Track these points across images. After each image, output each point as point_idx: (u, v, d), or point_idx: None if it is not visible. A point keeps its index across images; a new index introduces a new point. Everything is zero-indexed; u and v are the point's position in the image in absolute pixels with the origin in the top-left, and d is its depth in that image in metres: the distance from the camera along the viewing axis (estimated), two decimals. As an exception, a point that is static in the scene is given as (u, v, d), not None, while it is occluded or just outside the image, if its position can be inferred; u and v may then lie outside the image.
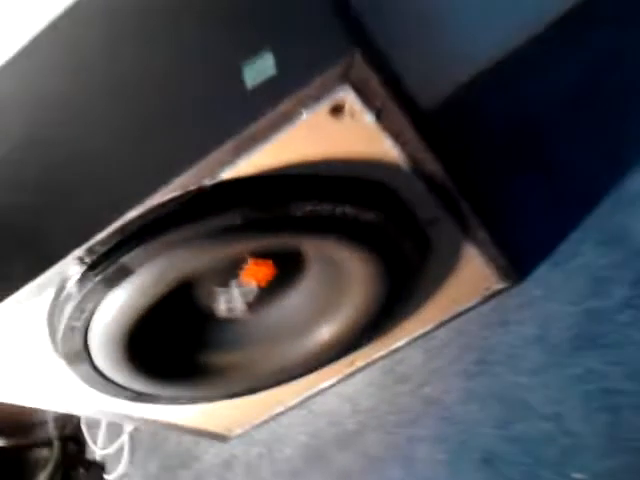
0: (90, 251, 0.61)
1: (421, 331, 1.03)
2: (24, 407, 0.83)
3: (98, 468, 1.35)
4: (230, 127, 0.56)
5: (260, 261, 0.76)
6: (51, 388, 0.79)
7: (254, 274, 0.77)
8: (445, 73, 1.20)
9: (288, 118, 0.56)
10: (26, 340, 0.69)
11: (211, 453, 1.24)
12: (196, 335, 0.83)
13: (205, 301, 0.81)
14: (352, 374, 1.09)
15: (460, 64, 1.20)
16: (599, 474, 0.83)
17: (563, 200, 1.03)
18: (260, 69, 0.56)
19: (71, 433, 1.39)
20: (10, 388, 0.78)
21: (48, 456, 1.34)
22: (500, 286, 0.99)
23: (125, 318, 0.65)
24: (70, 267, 0.62)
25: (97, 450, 1.41)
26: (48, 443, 1.36)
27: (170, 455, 1.31)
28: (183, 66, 0.65)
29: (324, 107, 0.56)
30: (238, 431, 1.15)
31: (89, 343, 0.68)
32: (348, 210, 0.65)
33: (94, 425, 1.46)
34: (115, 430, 1.42)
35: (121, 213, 0.59)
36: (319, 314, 0.84)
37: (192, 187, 0.59)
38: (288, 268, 0.81)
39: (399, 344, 1.05)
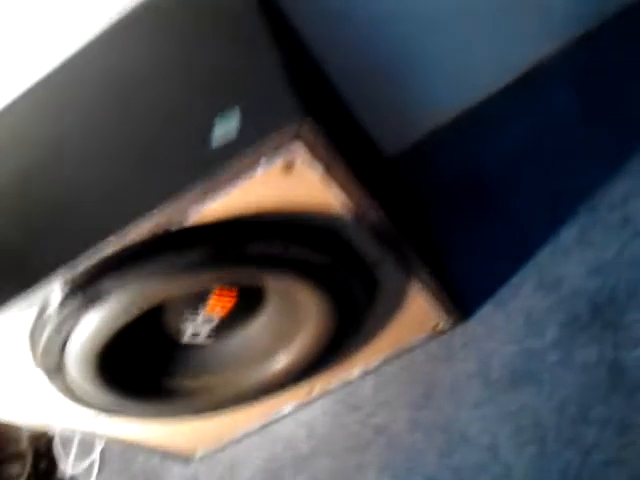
0: (71, 279, 0.70)
1: (373, 364, 1.12)
2: (-1, 422, 0.90)
3: (68, 485, 1.40)
4: (195, 179, 0.66)
5: (225, 292, 0.85)
6: (31, 400, 0.86)
7: (218, 304, 0.86)
8: (406, 126, 1.31)
9: (245, 173, 0.66)
10: (10, 354, 0.77)
11: (175, 473, 1.30)
12: (163, 357, 0.91)
13: (173, 327, 0.89)
14: (309, 402, 1.17)
15: (421, 118, 1.33)
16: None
17: (506, 247, 1.14)
18: (226, 127, 0.66)
19: (44, 450, 1.45)
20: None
21: (20, 472, 1.39)
22: (447, 324, 1.08)
23: (97, 339, 0.74)
24: (53, 291, 0.71)
25: (68, 467, 1.46)
26: (20, 459, 1.40)
27: (136, 474, 1.36)
28: (158, 123, 0.75)
29: (277, 164, 0.66)
30: (201, 452, 1.21)
31: (65, 359, 0.77)
32: (299, 252, 0.75)
33: (67, 443, 1.51)
34: (86, 448, 1.47)
35: (100, 246, 0.69)
36: (277, 343, 0.93)
37: (162, 227, 0.68)
38: (250, 299, 0.90)
39: (353, 375, 1.13)
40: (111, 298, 0.70)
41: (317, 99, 0.81)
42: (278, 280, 0.80)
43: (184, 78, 0.80)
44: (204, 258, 0.70)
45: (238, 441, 1.23)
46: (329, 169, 0.68)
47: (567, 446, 0.93)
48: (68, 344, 0.74)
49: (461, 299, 1.11)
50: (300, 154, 0.66)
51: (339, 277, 0.82)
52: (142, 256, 0.69)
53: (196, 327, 0.89)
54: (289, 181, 0.69)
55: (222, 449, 1.24)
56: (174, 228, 0.69)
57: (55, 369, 0.77)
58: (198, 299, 0.85)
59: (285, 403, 1.15)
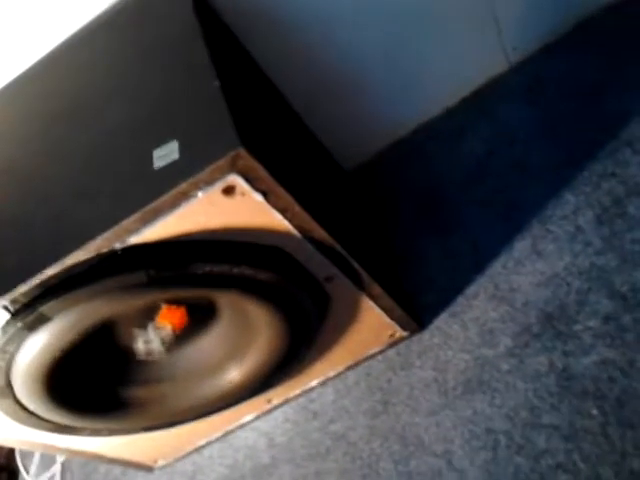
0: (14, 301, 0.70)
1: (332, 373, 1.14)
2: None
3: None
4: (138, 201, 0.67)
5: (174, 308, 0.86)
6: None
7: (168, 319, 0.86)
8: (364, 140, 1.33)
9: (186, 196, 0.67)
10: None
11: (137, 482, 1.31)
12: (116, 372, 0.92)
13: (125, 342, 0.90)
14: (269, 411, 1.18)
15: (378, 132, 1.34)
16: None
17: (462, 258, 1.16)
18: (166, 154, 0.67)
19: (4, 462, 1.45)
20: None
21: (-19, 484, 1.39)
22: (404, 333, 1.10)
23: (43, 359, 0.74)
24: (-5, 314, 0.72)
25: (29, 479, 1.46)
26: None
27: (99, 484, 1.37)
28: (108, 149, 0.76)
29: (217, 188, 0.67)
30: (162, 462, 1.22)
31: (12, 380, 0.77)
32: (245, 270, 0.76)
33: (27, 455, 1.51)
34: (48, 460, 1.48)
35: (42, 269, 0.69)
36: (230, 356, 0.94)
37: (104, 250, 0.69)
38: (202, 314, 0.91)
39: (312, 384, 1.15)
40: (54, 320, 0.71)
41: (261, 120, 0.81)
42: (225, 297, 0.81)
43: (125, 110, 0.80)
44: (147, 279, 0.70)
45: (199, 450, 1.24)
46: (268, 196, 0.69)
47: (518, 452, 0.96)
48: (13, 365, 0.74)
49: (418, 309, 1.13)
50: (238, 183, 0.67)
51: (288, 293, 0.83)
52: (85, 278, 0.70)
53: (147, 341, 0.90)
54: (231, 203, 0.69)
55: (183, 458, 1.25)
56: (117, 250, 0.70)
57: (1, 392, 0.77)
58: (149, 312, 0.86)
59: (245, 412, 1.16)
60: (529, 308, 1.04)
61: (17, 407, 0.81)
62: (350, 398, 1.15)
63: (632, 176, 1.05)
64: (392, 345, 1.12)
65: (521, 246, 1.10)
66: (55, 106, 0.89)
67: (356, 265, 0.87)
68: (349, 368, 1.14)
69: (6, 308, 0.71)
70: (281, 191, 0.70)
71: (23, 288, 0.69)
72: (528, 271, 1.07)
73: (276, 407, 1.18)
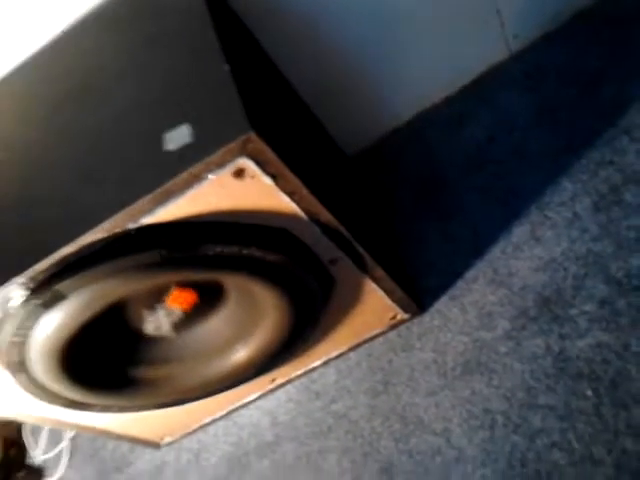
0: (31, 279, 0.73)
1: (335, 353, 1.17)
2: (-32, 411, 0.93)
3: (38, 472, 1.43)
4: (150, 183, 0.69)
5: (184, 289, 0.88)
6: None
7: (178, 300, 0.89)
8: (367, 126, 1.35)
9: (198, 178, 0.69)
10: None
11: (144, 459, 1.34)
12: (127, 351, 0.94)
13: (136, 321, 0.92)
14: (273, 390, 1.22)
15: (381, 119, 1.36)
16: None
17: (461, 242, 1.19)
18: (178, 137, 0.69)
19: (14, 438, 1.48)
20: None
21: (-10, 459, 1.42)
22: (405, 316, 1.13)
23: (58, 336, 0.77)
24: (13, 291, 0.74)
25: (38, 455, 1.50)
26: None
27: (106, 460, 1.41)
28: (117, 131, 0.78)
29: (227, 171, 0.69)
30: (169, 439, 1.26)
31: (28, 356, 0.79)
32: (254, 251, 0.79)
33: (36, 431, 1.55)
34: (56, 436, 1.51)
35: (58, 248, 0.71)
36: (237, 336, 0.96)
37: (118, 229, 0.71)
38: (211, 295, 0.93)
39: (315, 364, 1.18)
40: (69, 298, 0.73)
41: (270, 105, 0.83)
42: (236, 278, 0.84)
43: (134, 94, 0.82)
44: (159, 259, 0.73)
45: (204, 428, 1.27)
46: (277, 179, 0.72)
47: (515, 431, 0.99)
48: (30, 342, 0.77)
49: (418, 292, 1.16)
50: (248, 166, 0.69)
51: (294, 274, 0.86)
52: (99, 257, 0.72)
53: (158, 320, 0.93)
54: (241, 185, 0.72)
55: (189, 435, 1.28)
56: (130, 230, 0.72)
57: (18, 367, 0.80)
58: (159, 294, 0.88)
59: (250, 391, 1.19)
60: (527, 292, 1.07)
61: (31, 382, 0.84)
62: (352, 378, 1.18)
63: (629, 164, 1.07)
64: (393, 327, 1.15)
65: (520, 232, 1.13)
66: (65, 89, 0.90)
67: (360, 248, 0.90)
68: (351, 349, 1.17)
69: (23, 285, 0.73)
70: (290, 175, 0.72)
71: (40, 266, 0.71)
72: (526, 256, 1.10)
73: (279, 386, 1.21)
